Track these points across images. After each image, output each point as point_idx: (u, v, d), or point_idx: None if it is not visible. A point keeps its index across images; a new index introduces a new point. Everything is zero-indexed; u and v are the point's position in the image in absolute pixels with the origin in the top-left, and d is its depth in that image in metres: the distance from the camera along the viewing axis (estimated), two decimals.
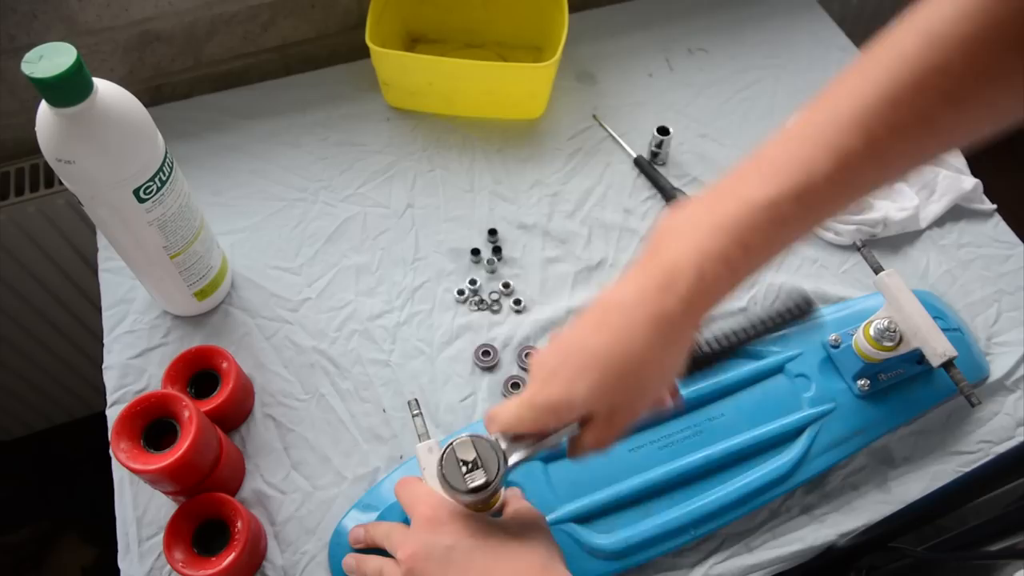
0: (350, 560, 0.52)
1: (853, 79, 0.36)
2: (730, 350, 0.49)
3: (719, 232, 0.37)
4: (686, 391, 0.60)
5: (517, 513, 0.50)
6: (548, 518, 0.55)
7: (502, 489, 0.52)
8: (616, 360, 0.39)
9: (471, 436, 0.44)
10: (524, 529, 0.47)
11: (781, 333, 0.64)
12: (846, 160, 0.35)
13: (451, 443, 0.44)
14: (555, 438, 0.43)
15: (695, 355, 0.46)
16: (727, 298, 0.39)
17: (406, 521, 0.49)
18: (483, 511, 0.49)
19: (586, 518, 0.56)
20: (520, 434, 0.43)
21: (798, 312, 0.50)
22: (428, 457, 0.52)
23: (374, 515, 0.56)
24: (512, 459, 0.43)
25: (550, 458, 0.58)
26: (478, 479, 0.43)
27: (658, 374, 0.41)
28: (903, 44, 0.34)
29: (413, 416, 0.54)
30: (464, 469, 0.43)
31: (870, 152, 0.35)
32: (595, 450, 0.43)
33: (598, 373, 0.40)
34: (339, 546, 0.56)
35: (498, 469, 0.43)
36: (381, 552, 0.49)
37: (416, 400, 0.55)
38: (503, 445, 0.43)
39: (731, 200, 0.37)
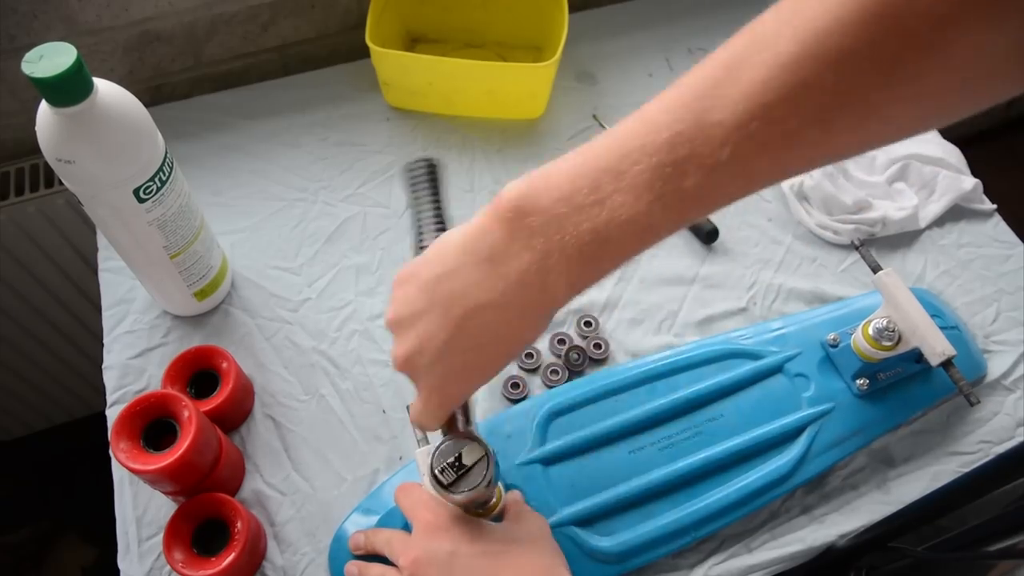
0: (352, 568, 0.52)
1: (722, 79, 0.32)
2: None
3: (586, 241, 0.35)
4: (688, 391, 0.61)
5: (520, 518, 0.50)
6: (548, 521, 0.55)
7: (501, 492, 0.52)
8: (444, 297, 0.38)
9: (456, 437, 0.44)
10: (527, 534, 0.47)
11: (778, 332, 0.65)
12: (715, 174, 0.32)
13: (438, 446, 0.44)
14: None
15: None
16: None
17: (407, 527, 0.48)
18: (483, 516, 0.49)
19: (587, 521, 0.56)
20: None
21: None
22: (427, 462, 0.52)
23: (375, 519, 0.56)
24: (439, 443, 0.43)
25: (550, 461, 0.58)
26: (470, 480, 0.43)
27: (493, 318, 0.38)
28: (779, 48, 0.31)
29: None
30: (454, 471, 0.43)
31: (737, 168, 0.32)
32: (418, 417, 0.43)
33: (429, 312, 0.39)
34: (340, 550, 0.56)
35: (487, 469, 0.43)
36: (382, 559, 0.49)
37: None
38: (419, 435, 0.44)
39: (594, 210, 0.34)
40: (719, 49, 0.33)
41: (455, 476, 0.43)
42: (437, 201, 0.47)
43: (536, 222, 0.35)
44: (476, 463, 0.43)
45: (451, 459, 0.43)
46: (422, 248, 0.46)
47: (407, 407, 0.55)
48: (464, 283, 0.38)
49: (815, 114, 0.31)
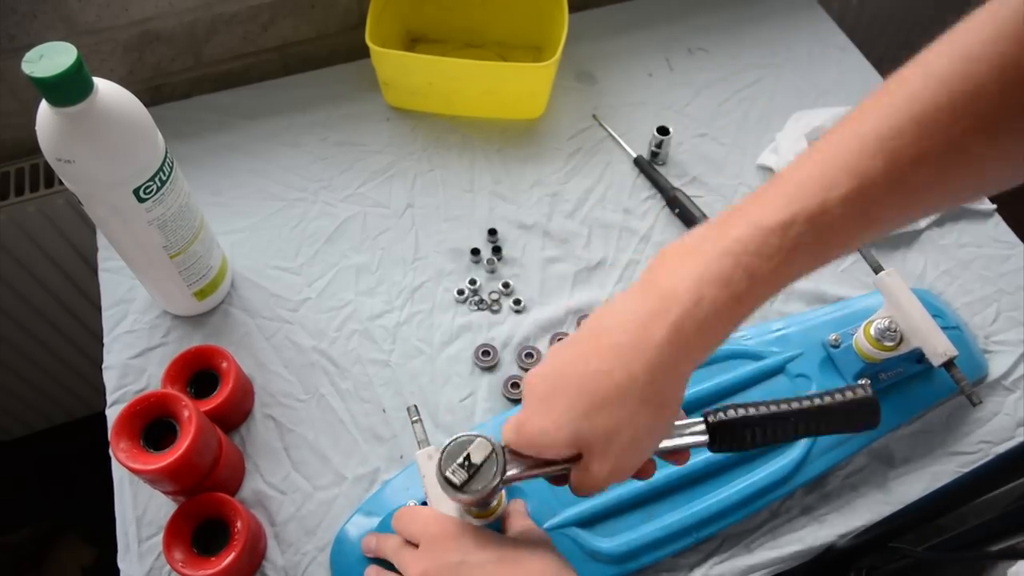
0: (372, 572, 0.52)
1: (879, 99, 0.33)
2: (761, 424, 0.43)
3: (724, 257, 0.35)
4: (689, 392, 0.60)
5: (523, 529, 0.49)
6: (550, 522, 0.55)
7: (503, 496, 0.51)
8: (604, 394, 0.37)
9: (472, 435, 0.43)
10: (533, 543, 0.47)
11: (780, 333, 0.64)
12: (865, 184, 0.32)
13: (453, 440, 0.43)
14: (551, 470, 0.42)
15: (717, 421, 0.43)
16: (729, 330, 0.36)
17: None
18: (483, 517, 0.49)
19: (588, 522, 0.56)
20: (518, 452, 0.42)
21: (858, 413, 0.45)
22: (428, 464, 0.51)
23: (376, 520, 0.56)
24: (508, 472, 0.42)
25: None
26: (477, 478, 0.42)
27: (650, 413, 0.37)
28: (934, 65, 0.31)
29: (412, 422, 0.53)
30: (464, 468, 0.42)
31: (891, 178, 0.32)
32: (584, 491, 0.41)
33: (584, 407, 0.37)
34: (342, 552, 0.56)
35: (495, 470, 0.42)
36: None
37: (415, 406, 0.54)
38: (506, 453, 0.43)
39: (740, 223, 0.35)
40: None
41: (466, 476, 0.42)
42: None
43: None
44: (486, 460, 0.42)
45: (460, 459, 0.42)
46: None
47: (407, 408, 0.55)
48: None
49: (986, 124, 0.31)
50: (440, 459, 0.43)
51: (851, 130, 0.33)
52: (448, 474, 0.42)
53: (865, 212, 0.33)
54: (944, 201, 0.35)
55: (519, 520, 0.50)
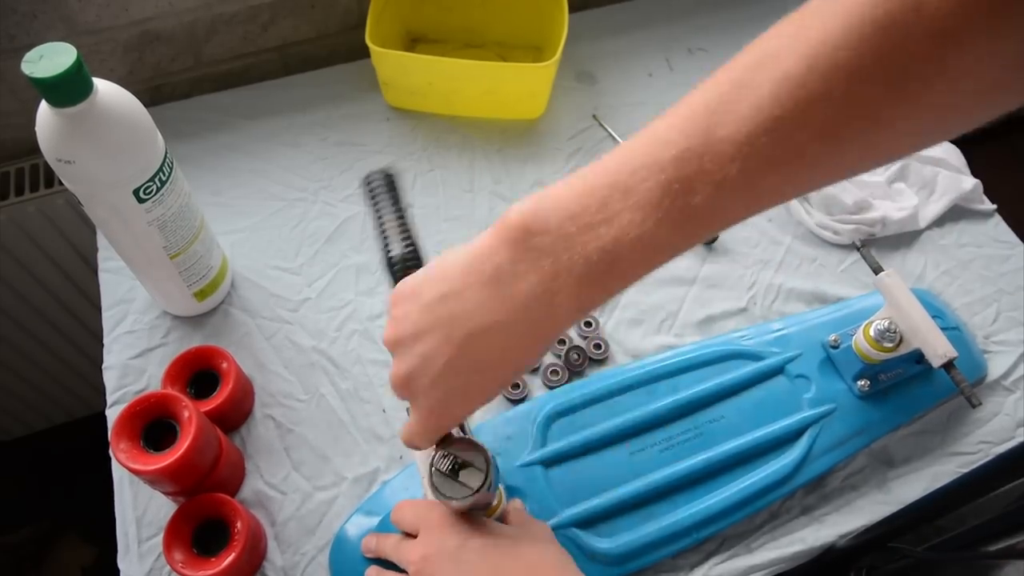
0: (372, 572, 0.52)
1: (730, 95, 0.32)
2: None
3: (594, 262, 0.34)
4: (689, 392, 0.61)
5: (524, 522, 0.50)
6: (550, 523, 0.55)
7: (503, 495, 0.51)
8: (448, 319, 0.38)
9: (452, 445, 0.44)
10: (534, 534, 0.47)
11: (779, 333, 0.64)
12: (723, 191, 0.32)
13: (435, 455, 0.44)
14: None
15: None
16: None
17: None
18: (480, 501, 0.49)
19: (588, 523, 0.56)
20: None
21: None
22: (427, 464, 0.51)
23: (376, 520, 0.56)
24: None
25: (551, 463, 0.58)
26: (470, 484, 0.43)
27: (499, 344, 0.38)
28: (787, 64, 0.30)
29: None
30: (453, 478, 0.43)
31: (746, 184, 0.32)
32: (411, 437, 0.43)
33: (430, 334, 0.38)
34: (341, 552, 0.56)
35: (487, 473, 0.43)
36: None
37: None
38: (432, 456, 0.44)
39: (602, 230, 0.34)
40: (725, 67, 0.33)
41: (455, 482, 0.43)
42: (400, 211, 0.47)
43: (543, 242, 0.35)
44: (474, 467, 0.43)
45: (449, 467, 0.43)
46: (391, 258, 0.46)
47: (407, 409, 0.54)
48: (468, 304, 0.37)
49: (823, 128, 0.31)
50: (431, 465, 0.44)
51: (701, 130, 0.32)
52: (436, 483, 0.43)
53: (717, 213, 0.33)
54: (786, 198, 0.34)
55: (518, 516, 0.51)
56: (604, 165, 0.35)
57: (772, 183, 0.32)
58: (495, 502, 0.50)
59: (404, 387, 0.41)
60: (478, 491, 0.43)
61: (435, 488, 0.43)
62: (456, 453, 0.43)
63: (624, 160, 0.34)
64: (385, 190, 0.48)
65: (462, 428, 0.46)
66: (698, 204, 0.32)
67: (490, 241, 0.37)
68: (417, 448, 0.45)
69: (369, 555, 0.53)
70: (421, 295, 0.40)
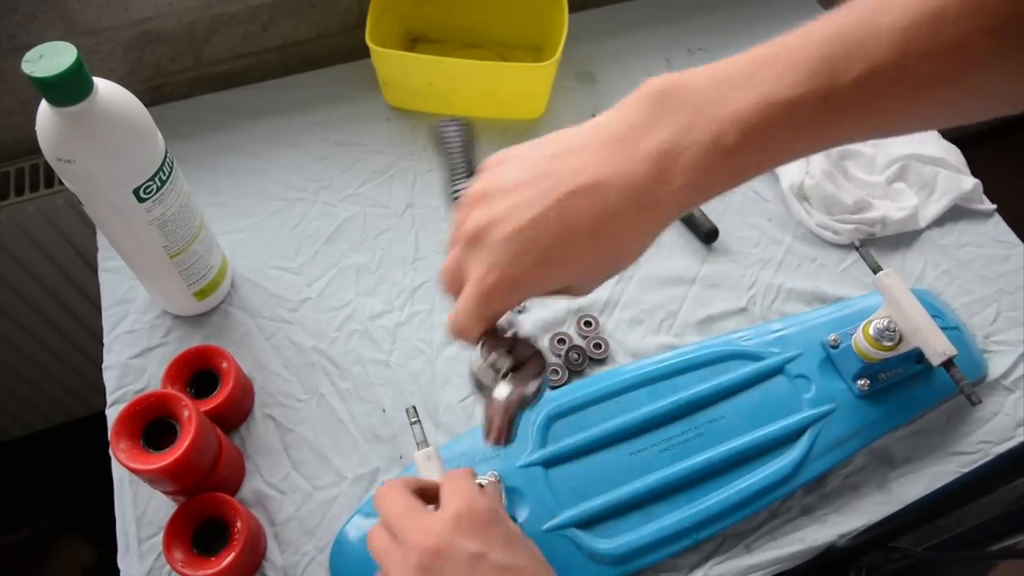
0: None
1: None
2: None
3: (727, 126, 0.33)
4: (689, 393, 0.61)
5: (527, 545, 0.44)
6: (549, 524, 0.55)
7: (502, 491, 0.51)
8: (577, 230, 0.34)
9: (501, 345, 0.39)
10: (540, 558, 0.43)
11: (779, 333, 0.64)
12: (877, 70, 0.31)
13: (489, 352, 0.39)
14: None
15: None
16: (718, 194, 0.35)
17: None
18: (525, 406, 0.42)
19: (588, 523, 0.56)
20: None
21: None
22: (427, 465, 0.51)
23: (375, 521, 0.56)
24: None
25: (551, 463, 0.58)
26: (526, 375, 0.38)
27: (624, 249, 0.36)
28: None
29: (411, 424, 0.53)
30: (503, 376, 0.39)
31: (900, 70, 0.31)
32: (457, 317, 0.38)
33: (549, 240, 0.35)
34: (342, 553, 0.56)
35: (541, 369, 0.39)
36: None
37: (414, 408, 0.54)
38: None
39: (745, 91, 0.33)
40: None
41: (506, 384, 0.39)
42: (470, 154, 0.46)
43: (684, 97, 0.34)
44: (526, 371, 0.39)
45: (508, 366, 0.38)
46: (456, 197, 0.44)
47: (406, 410, 0.54)
48: (581, 160, 0.35)
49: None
50: (480, 364, 0.39)
51: (863, 15, 0.33)
52: (492, 378, 0.39)
53: (870, 102, 0.32)
54: (947, 106, 0.34)
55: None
56: (756, 49, 0.34)
57: (915, 88, 0.32)
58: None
59: (473, 239, 0.36)
60: (536, 394, 0.39)
61: (486, 388, 0.39)
62: (510, 348, 0.38)
63: (779, 41, 0.34)
64: (458, 135, 0.47)
65: (513, 335, 0.40)
66: (847, 83, 0.32)
67: (623, 105, 0.36)
68: (464, 337, 0.39)
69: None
70: (526, 155, 0.37)
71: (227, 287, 0.69)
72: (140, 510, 0.58)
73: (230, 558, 0.51)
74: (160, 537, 0.54)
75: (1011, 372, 0.67)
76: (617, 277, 0.72)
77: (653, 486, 0.57)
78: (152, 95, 0.86)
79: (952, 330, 0.65)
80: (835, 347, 0.63)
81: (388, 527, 0.42)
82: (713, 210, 0.76)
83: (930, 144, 0.80)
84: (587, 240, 0.35)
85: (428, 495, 0.45)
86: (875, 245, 0.75)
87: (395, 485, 0.44)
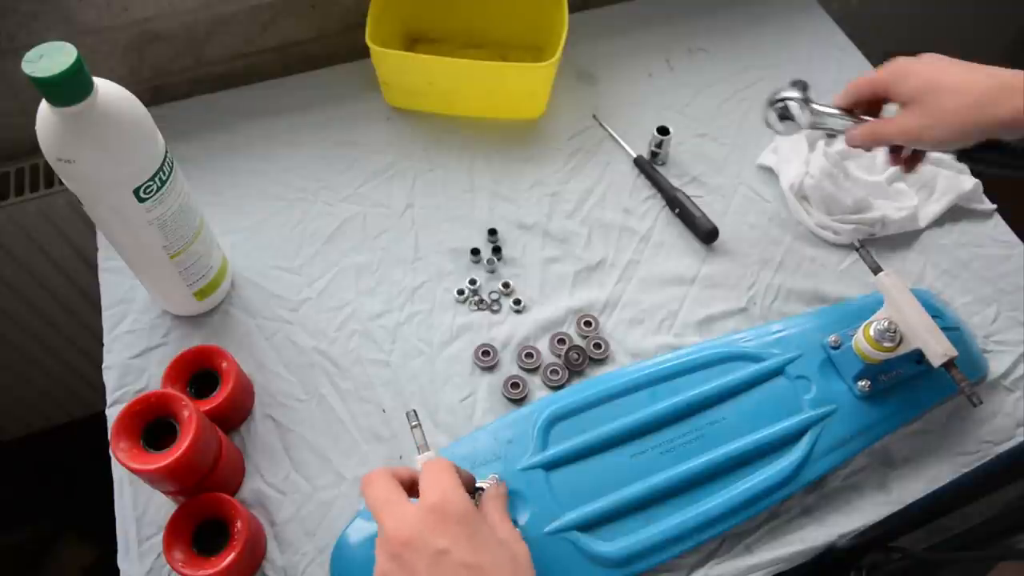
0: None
1: None
2: None
3: None
4: (689, 395, 0.61)
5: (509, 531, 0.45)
6: (550, 527, 0.55)
7: (504, 487, 0.51)
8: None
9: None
10: (517, 555, 0.43)
11: (779, 335, 0.65)
12: None
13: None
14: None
15: None
16: None
17: None
18: None
19: (588, 526, 0.56)
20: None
21: None
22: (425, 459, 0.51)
23: (375, 524, 0.56)
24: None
25: (552, 466, 0.58)
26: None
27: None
28: None
29: (412, 428, 0.51)
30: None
31: None
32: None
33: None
34: (342, 557, 0.55)
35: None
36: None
37: (414, 411, 0.51)
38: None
39: None
40: None
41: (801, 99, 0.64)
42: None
43: None
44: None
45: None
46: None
47: (406, 413, 0.53)
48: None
49: None
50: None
51: None
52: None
53: None
54: None
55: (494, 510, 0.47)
56: None
57: None
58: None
59: None
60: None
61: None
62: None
63: None
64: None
65: None
66: None
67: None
68: None
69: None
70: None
71: (227, 287, 0.69)
72: (140, 510, 0.58)
73: (230, 558, 0.51)
74: (160, 537, 0.54)
75: (1011, 372, 0.67)
76: (617, 277, 0.72)
77: (654, 489, 0.57)
78: (152, 95, 0.86)
79: (952, 330, 0.65)
80: (836, 348, 0.63)
81: (372, 512, 0.44)
82: (713, 210, 0.76)
83: None
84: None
85: (416, 488, 0.45)
86: (875, 245, 0.75)
87: (381, 472, 0.45)
